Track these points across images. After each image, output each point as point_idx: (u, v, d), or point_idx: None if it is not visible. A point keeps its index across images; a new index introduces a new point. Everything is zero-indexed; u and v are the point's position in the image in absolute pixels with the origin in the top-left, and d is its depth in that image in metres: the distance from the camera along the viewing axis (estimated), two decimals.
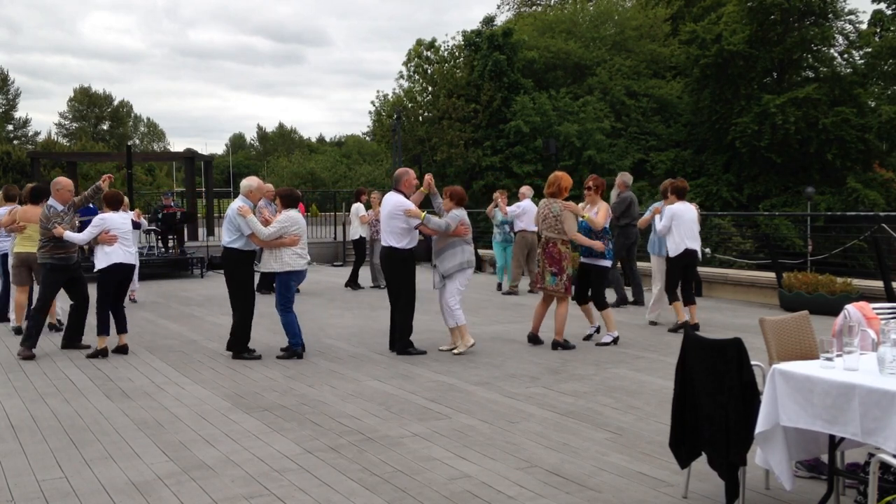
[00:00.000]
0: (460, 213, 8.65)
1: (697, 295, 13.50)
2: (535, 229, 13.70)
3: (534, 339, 9.24)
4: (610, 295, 10.46)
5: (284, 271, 8.47)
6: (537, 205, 9.66)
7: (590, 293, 9.38)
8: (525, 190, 14.67)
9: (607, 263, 9.27)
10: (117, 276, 8.76)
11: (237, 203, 8.55)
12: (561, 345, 8.95)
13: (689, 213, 9.94)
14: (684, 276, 10.06)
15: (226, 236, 8.62)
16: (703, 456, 4.42)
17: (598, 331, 9.44)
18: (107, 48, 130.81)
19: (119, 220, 8.83)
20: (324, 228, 25.03)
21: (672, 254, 10.01)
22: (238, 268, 8.61)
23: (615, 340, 9.19)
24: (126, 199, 10.09)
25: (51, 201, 8.92)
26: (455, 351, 8.72)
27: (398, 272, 8.78)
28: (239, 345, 8.65)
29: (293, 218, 8.50)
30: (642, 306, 12.14)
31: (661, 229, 10.05)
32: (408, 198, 8.73)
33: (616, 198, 12.27)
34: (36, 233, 9.55)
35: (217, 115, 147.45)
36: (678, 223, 9.90)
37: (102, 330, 8.71)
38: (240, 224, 8.42)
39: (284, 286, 8.58)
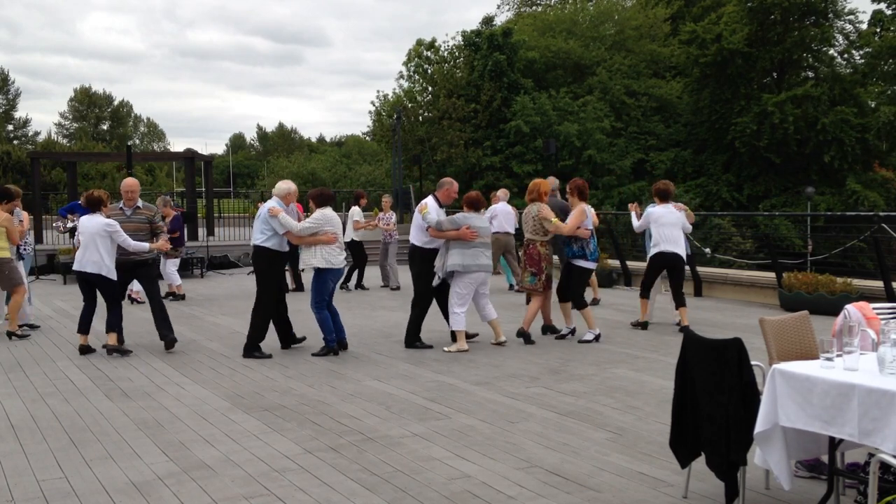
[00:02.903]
0: (463, 217, 8.83)
1: (697, 295, 13.58)
2: (509, 231, 13.85)
3: (549, 330, 9.72)
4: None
5: (324, 268, 8.57)
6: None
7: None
8: (500, 193, 14.80)
9: (587, 265, 9.32)
10: (84, 281, 8.81)
11: (270, 203, 8.67)
12: (524, 335, 9.26)
13: (669, 217, 9.89)
14: (671, 279, 10.12)
15: (257, 235, 8.70)
16: (703, 456, 4.42)
17: (573, 332, 9.53)
18: (106, 49, 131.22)
19: (87, 224, 8.70)
20: None
21: (650, 254, 10.25)
22: (268, 266, 8.69)
23: (597, 338, 9.32)
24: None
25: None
26: (445, 348, 8.87)
27: (415, 268, 9.16)
28: (251, 344, 8.68)
29: (328, 216, 8.61)
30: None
31: (637, 228, 10.45)
32: (442, 205, 9.04)
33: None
34: None
35: (216, 115, 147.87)
36: (656, 226, 9.96)
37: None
38: (274, 224, 8.55)
39: (322, 283, 8.65)
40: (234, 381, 7.56)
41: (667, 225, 9.86)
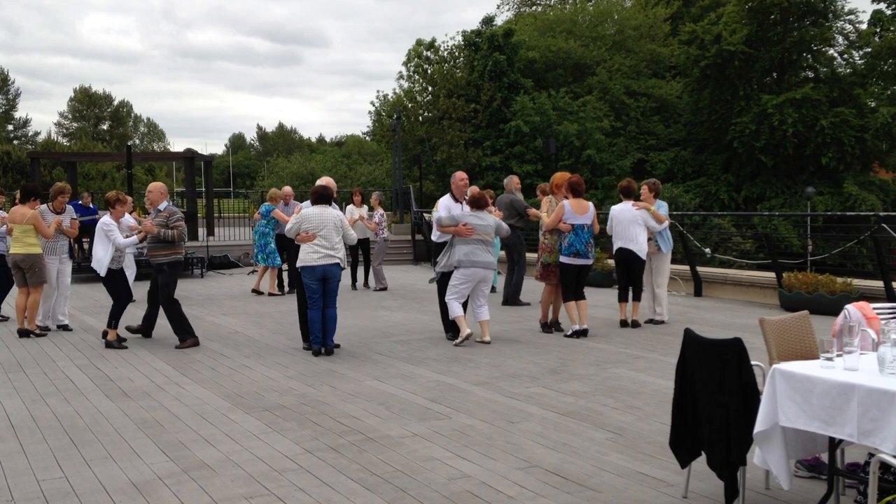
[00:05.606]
0: (461, 215, 9.21)
1: (697, 295, 13.59)
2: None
3: (546, 327, 10.06)
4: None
5: (300, 266, 8.69)
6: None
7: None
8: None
9: (563, 259, 9.56)
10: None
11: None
12: (543, 325, 10.04)
13: (624, 214, 10.10)
14: (627, 275, 10.24)
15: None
16: (703, 456, 4.42)
17: (582, 333, 9.60)
18: (106, 49, 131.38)
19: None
20: None
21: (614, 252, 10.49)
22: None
23: (576, 333, 9.54)
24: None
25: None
26: (454, 342, 9.15)
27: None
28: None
29: (305, 215, 8.69)
30: (519, 306, 12.36)
31: (607, 230, 10.41)
32: (458, 200, 9.60)
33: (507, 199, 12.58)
34: (22, 234, 9.68)
35: (216, 115, 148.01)
36: (615, 223, 10.13)
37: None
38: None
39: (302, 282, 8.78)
40: (234, 381, 7.56)
41: (622, 222, 10.10)
